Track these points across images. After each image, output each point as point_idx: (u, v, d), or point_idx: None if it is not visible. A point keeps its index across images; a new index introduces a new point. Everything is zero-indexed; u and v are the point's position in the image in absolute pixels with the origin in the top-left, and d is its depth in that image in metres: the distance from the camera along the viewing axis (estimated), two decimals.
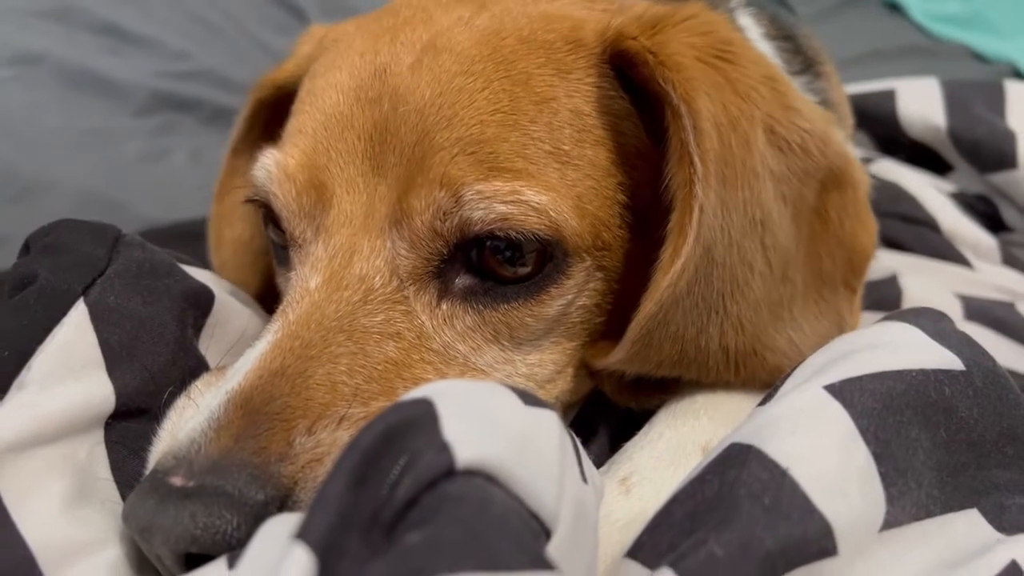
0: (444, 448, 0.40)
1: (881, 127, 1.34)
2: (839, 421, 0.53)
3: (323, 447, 0.53)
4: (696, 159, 0.60)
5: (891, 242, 1.16)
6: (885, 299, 1.00)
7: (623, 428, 0.70)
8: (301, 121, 0.68)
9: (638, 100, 0.67)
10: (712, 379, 0.68)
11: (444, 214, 0.61)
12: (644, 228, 0.67)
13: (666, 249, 0.62)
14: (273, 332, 0.60)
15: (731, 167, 0.63)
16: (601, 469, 0.65)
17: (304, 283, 0.62)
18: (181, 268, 0.67)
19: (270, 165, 0.66)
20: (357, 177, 0.64)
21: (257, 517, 0.49)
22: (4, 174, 1.39)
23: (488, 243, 0.62)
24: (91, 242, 0.64)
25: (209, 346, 0.66)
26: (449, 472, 0.40)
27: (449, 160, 0.61)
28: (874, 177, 1.25)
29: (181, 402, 0.59)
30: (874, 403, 0.54)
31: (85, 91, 1.63)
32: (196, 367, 0.64)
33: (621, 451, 0.66)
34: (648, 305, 0.62)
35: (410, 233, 0.62)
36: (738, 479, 0.49)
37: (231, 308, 0.69)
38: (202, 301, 0.67)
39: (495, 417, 0.44)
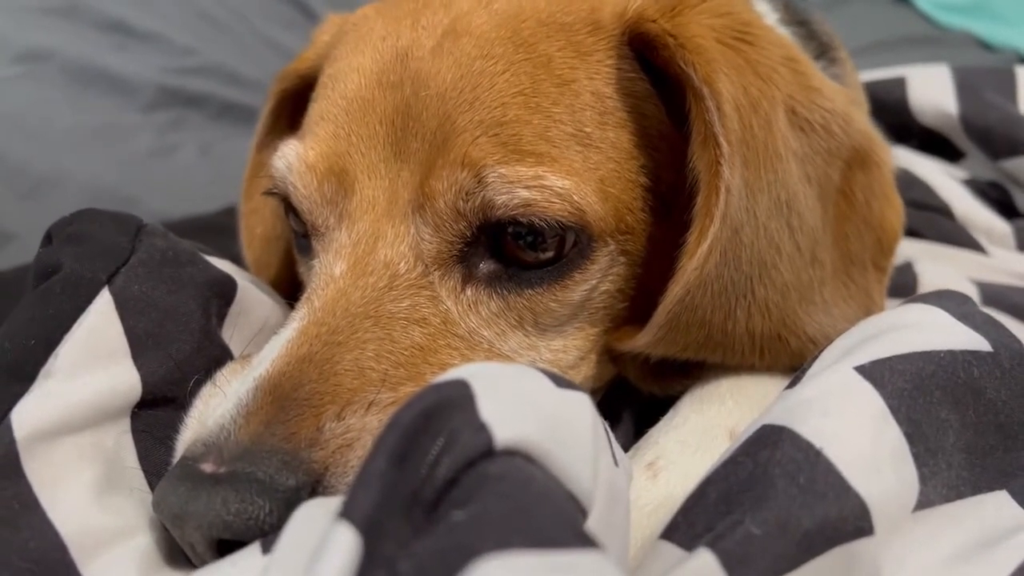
0: (482, 428, 0.40)
1: (892, 115, 1.33)
2: (871, 401, 0.52)
3: (353, 432, 0.53)
4: (721, 140, 0.60)
5: (906, 229, 1.16)
6: (901, 286, 0.99)
7: (647, 414, 0.70)
8: (322, 107, 0.68)
9: (658, 82, 0.66)
10: (736, 362, 0.67)
11: (467, 194, 0.60)
12: (666, 212, 0.67)
13: (693, 232, 0.61)
14: (299, 319, 0.59)
15: (753, 149, 0.63)
16: (626, 454, 0.65)
17: (328, 270, 0.62)
18: (203, 257, 0.67)
19: (290, 156, 0.66)
20: (379, 162, 0.63)
21: (289, 503, 0.48)
22: (14, 171, 1.39)
23: (510, 229, 0.61)
24: (114, 231, 0.64)
25: (232, 335, 0.66)
26: (488, 452, 0.40)
27: (471, 142, 0.61)
28: None
29: (207, 390, 0.59)
30: (904, 383, 0.54)
31: (93, 87, 1.63)
32: (221, 356, 0.64)
33: (646, 436, 0.65)
34: (675, 288, 0.61)
35: (433, 216, 0.62)
36: (772, 459, 0.49)
37: (253, 297, 0.69)
38: (225, 290, 0.66)
39: (529, 398, 0.44)
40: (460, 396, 0.42)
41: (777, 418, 0.52)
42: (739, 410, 0.65)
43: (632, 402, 0.72)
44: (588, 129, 0.63)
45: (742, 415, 0.65)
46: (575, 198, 0.61)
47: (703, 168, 0.61)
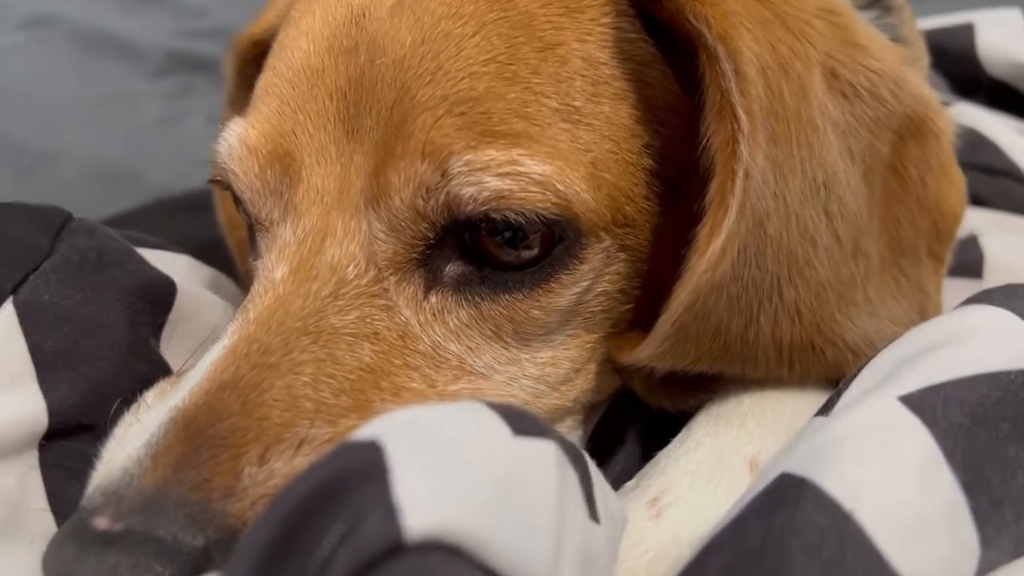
0: (392, 513, 0.31)
1: (957, 66, 1.20)
2: (919, 443, 0.42)
3: (277, 479, 0.44)
4: (740, 111, 0.49)
5: (970, 196, 1.03)
6: (963, 263, 0.87)
7: (658, 431, 0.60)
8: (267, 80, 0.58)
9: (666, 43, 0.55)
10: (760, 375, 0.57)
11: (427, 191, 0.50)
12: (678, 198, 0.56)
13: (704, 225, 0.51)
14: (230, 335, 0.50)
15: (783, 120, 0.51)
16: (628, 484, 0.55)
17: (269, 273, 0.52)
18: (139, 256, 0.58)
19: (231, 137, 0.56)
20: (329, 144, 0.53)
21: (196, 566, 0.40)
22: (14, 143, 1.34)
23: (483, 224, 0.51)
24: (30, 230, 0.55)
25: (171, 347, 0.58)
26: (397, 547, 0.30)
27: (433, 123, 0.50)
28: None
29: (128, 418, 0.51)
30: (962, 417, 0.43)
31: (100, 54, 1.57)
32: (152, 373, 0.55)
33: (653, 462, 0.55)
34: (682, 293, 0.51)
35: (388, 214, 0.52)
36: (789, 524, 0.39)
37: (200, 301, 0.61)
38: (161, 295, 0.58)
39: (469, 459, 0.34)
40: (369, 465, 0.32)
41: (800, 465, 0.42)
42: (762, 434, 0.55)
43: (640, 417, 0.61)
44: (577, 102, 0.52)
45: (765, 441, 0.54)
46: (559, 186, 0.50)
47: (718, 146, 0.50)
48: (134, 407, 0.51)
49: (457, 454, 0.34)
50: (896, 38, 0.86)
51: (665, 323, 0.52)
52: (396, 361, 0.50)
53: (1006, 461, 0.43)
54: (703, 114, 0.52)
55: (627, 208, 0.54)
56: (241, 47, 0.74)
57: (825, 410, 0.50)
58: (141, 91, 1.50)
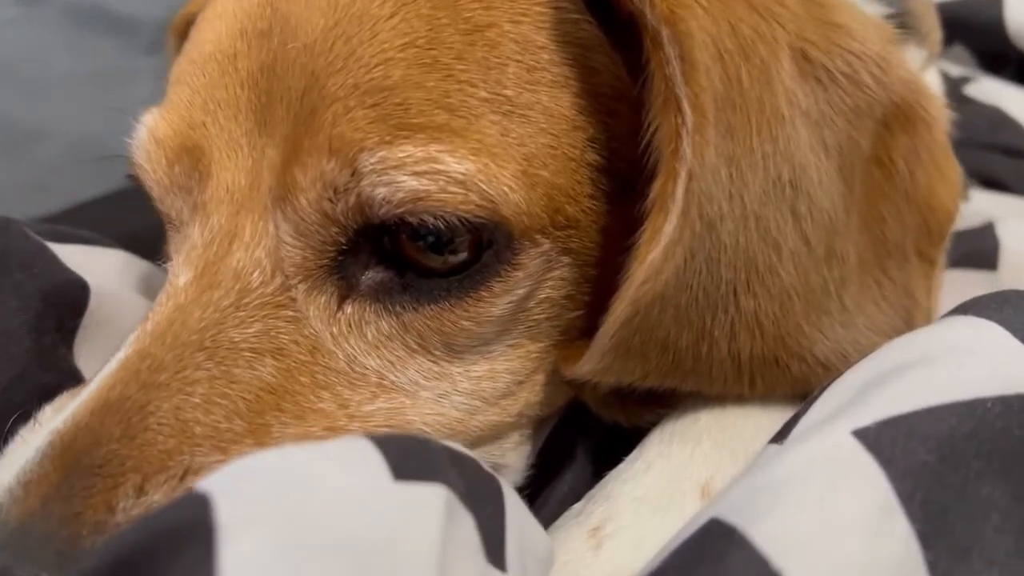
0: None
1: (984, 38, 1.13)
2: (869, 486, 0.37)
3: None
4: (685, 104, 0.44)
5: (988, 180, 0.96)
6: (977, 252, 0.80)
7: (614, 445, 0.55)
8: (180, 67, 0.53)
9: (613, 25, 0.49)
10: (718, 392, 0.52)
11: (336, 192, 0.45)
12: (626, 194, 0.50)
13: (644, 230, 0.45)
14: (125, 347, 0.46)
15: (742, 111, 0.46)
16: (575, 507, 0.50)
17: (174, 279, 0.48)
18: (51, 256, 0.54)
19: (142, 130, 0.52)
20: (241, 137, 0.49)
21: None
22: (2, 120, 1.30)
23: (402, 228, 0.46)
24: None
25: (85, 354, 0.54)
26: None
27: (343, 115, 0.45)
28: (972, 100, 1.05)
29: (21, 435, 0.47)
30: (926, 454, 0.38)
31: (94, 29, 1.53)
32: (58, 384, 0.51)
33: (600, 485, 0.51)
34: (620, 306, 0.46)
35: (295, 216, 0.47)
36: None
37: (120, 303, 0.56)
38: (72, 298, 0.53)
39: (324, 517, 0.30)
40: (193, 526, 0.28)
41: (733, 509, 0.37)
42: (719, 456, 0.50)
43: (594, 431, 0.57)
44: (509, 91, 0.47)
45: (722, 464, 0.49)
46: (482, 186, 0.45)
47: (662, 142, 0.45)
48: (31, 422, 0.47)
49: (308, 511, 0.30)
50: (903, 12, 0.79)
51: (603, 337, 0.47)
52: (303, 379, 0.46)
53: (976, 503, 0.38)
54: (648, 105, 0.47)
55: (568, 208, 0.49)
56: (177, 27, 0.69)
57: (780, 436, 0.44)
58: (134, 68, 1.45)
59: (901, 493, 0.37)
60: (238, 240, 0.48)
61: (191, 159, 0.50)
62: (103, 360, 0.52)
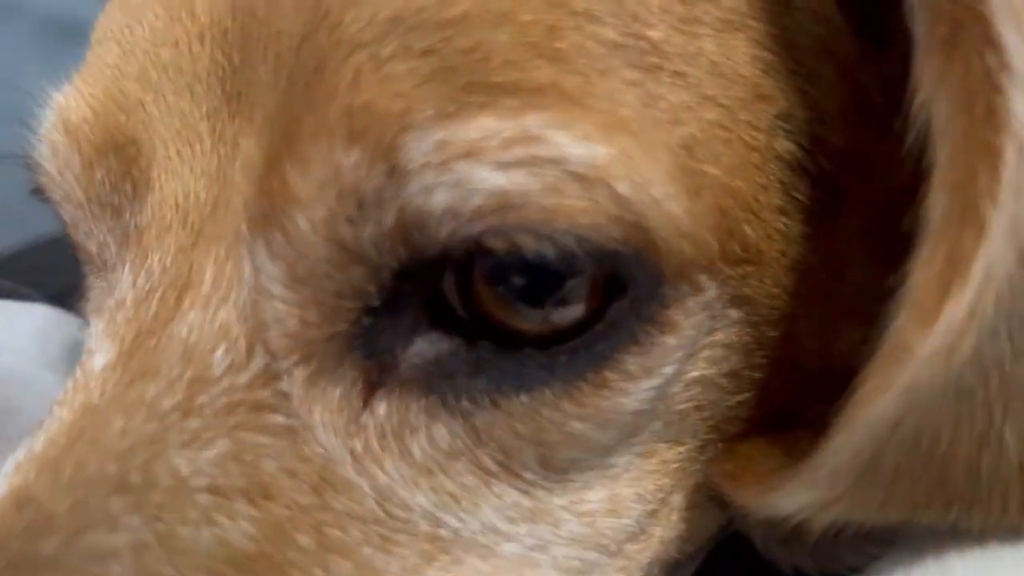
0: None
1: None
2: None
3: None
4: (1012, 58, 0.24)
5: None
6: None
7: None
8: (108, 15, 0.35)
9: None
10: (979, 523, 0.32)
11: (361, 206, 0.26)
12: (835, 212, 0.31)
13: (919, 271, 0.26)
14: (2, 478, 0.27)
15: None
16: None
17: (88, 358, 0.29)
18: None
19: (48, 115, 0.33)
20: (199, 121, 0.30)
21: None
22: None
23: (476, 263, 0.27)
24: None
25: None
26: None
27: (372, 74, 0.26)
28: None
29: None
30: None
31: (70, 43, 1.37)
32: None
33: None
34: (880, 398, 0.26)
35: (290, 248, 0.27)
36: None
37: (28, 386, 0.38)
38: None
39: None
40: None
41: None
42: None
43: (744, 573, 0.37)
44: (654, 33, 0.28)
45: None
46: (618, 186, 0.25)
47: (950, 134, 0.25)
48: None
49: None
50: None
51: (840, 452, 0.27)
52: (302, 540, 0.26)
53: None
54: (894, 61, 0.27)
55: (747, 230, 0.29)
56: None
57: None
58: None
59: None
60: (192, 293, 0.28)
61: (121, 159, 0.31)
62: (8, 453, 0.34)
